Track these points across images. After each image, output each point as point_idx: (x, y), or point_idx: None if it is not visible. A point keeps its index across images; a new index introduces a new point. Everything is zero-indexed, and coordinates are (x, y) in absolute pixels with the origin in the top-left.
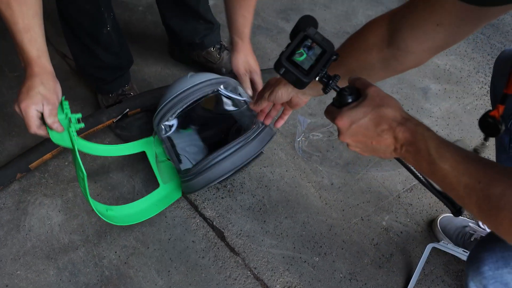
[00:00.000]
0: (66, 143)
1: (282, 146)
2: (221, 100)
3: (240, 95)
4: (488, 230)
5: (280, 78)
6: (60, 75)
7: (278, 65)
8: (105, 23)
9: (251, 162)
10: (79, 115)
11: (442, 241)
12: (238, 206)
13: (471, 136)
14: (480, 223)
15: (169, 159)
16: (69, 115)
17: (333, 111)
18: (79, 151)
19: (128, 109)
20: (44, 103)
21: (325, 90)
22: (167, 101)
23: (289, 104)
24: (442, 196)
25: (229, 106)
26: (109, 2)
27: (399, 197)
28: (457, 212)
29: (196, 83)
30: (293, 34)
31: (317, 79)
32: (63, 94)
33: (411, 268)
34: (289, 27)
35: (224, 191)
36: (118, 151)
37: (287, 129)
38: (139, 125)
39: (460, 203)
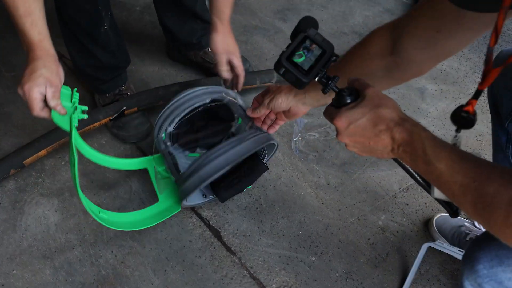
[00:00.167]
0: (66, 126)
1: (279, 146)
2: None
3: (240, 106)
4: (484, 230)
5: (281, 86)
6: None
7: (278, 65)
8: (102, 22)
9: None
10: (86, 108)
11: (438, 240)
12: (235, 206)
13: (467, 136)
14: (476, 223)
15: (170, 176)
16: (76, 104)
17: (332, 111)
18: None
19: (124, 107)
20: (47, 86)
21: (324, 90)
22: (164, 109)
23: (286, 113)
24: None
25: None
26: (107, 1)
27: (395, 196)
28: (454, 213)
29: (192, 91)
30: (294, 34)
31: (316, 79)
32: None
33: (407, 267)
34: (286, 27)
35: None
36: (119, 165)
37: (284, 129)
38: (136, 125)
39: (455, 202)
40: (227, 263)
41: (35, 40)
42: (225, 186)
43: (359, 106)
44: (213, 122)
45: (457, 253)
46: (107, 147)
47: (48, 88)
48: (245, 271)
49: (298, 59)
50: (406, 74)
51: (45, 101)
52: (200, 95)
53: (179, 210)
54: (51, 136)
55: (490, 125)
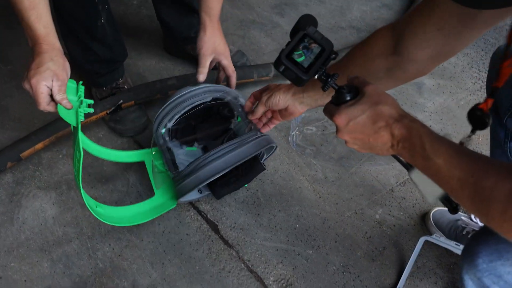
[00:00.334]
0: (72, 120)
1: (276, 140)
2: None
3: (241, 106)
4: (481, 224)
5: (280, 84)
6: None
7: (278, 63)
8: (99, 16)
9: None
10: (91, 101)
11: (435, 234)
12: (232, 199)
13: (464, 131)
14: (473, 217)
15: (167, 170)
16: (82, 97)
17: (332, 108)
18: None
19: (122, 100)
20: (54, 79)
21: (324, 88)
22: (165, 105)
23: (283, 112)
24: None
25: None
26: None
27: (392, 190)
28: (453, 209)
29: (194, 89)
30: (293, 32)
31: (316, 77)
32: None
33: (403, 261)
34: (283, 22)
35: None
36: (117, 157)
37: (282, 123)
38: (133, 119)
39: (453, 197)
40: (224, 256)
41: (40, 33)
42: (221, 184)
43: (358, 103)
44: (213, 119)
45: (454, 247)
46: (104, 141)
47: (54, 82)
48: (243, 264)
49: (298, 57)
50: (408, 74)
51: (51, 95)
52: (201, 93)
53: (175, 206)
54: (48, 129)
55: None
